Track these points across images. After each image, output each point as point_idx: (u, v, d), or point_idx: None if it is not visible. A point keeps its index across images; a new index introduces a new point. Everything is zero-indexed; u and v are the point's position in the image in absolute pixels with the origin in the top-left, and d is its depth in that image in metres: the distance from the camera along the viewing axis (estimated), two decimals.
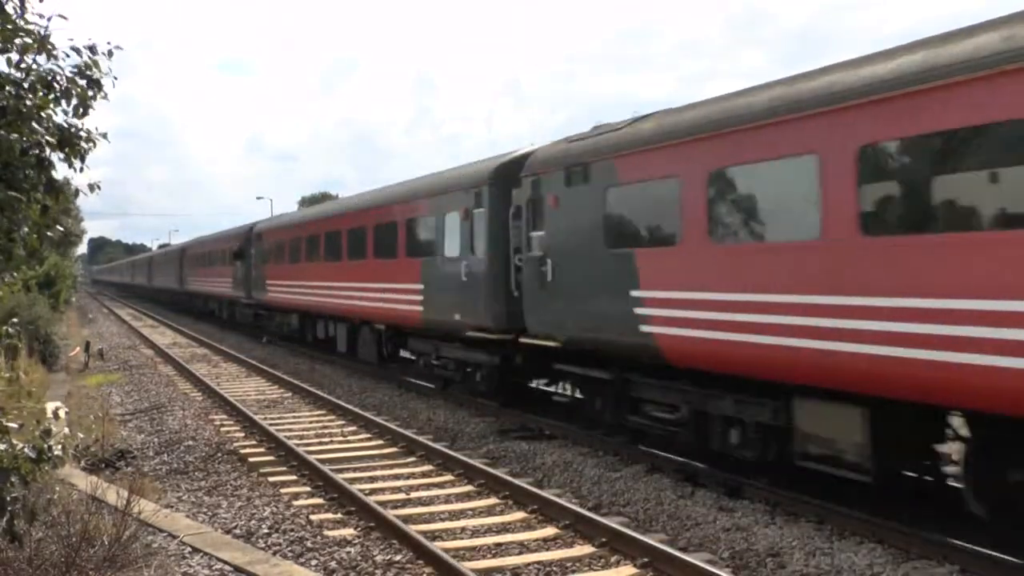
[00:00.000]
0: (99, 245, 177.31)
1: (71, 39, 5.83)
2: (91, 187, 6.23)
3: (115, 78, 5.90)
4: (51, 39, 5.72)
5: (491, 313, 14.22)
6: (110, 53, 5.88)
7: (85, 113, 5.83)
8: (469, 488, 10.08)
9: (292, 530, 8.49)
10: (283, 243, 27.69)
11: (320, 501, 9.64)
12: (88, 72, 5.78)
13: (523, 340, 13.33)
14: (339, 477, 10.13)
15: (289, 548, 7.95)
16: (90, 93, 5.81)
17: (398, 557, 7.64)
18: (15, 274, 6.80)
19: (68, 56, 5.79)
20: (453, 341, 15.94)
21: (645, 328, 10.38)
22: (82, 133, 5.89)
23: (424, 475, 10.82)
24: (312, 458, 11.09)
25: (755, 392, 9.17)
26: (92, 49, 5.83)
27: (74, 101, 5.78)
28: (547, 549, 7.92)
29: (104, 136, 6.02)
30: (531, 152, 13.93)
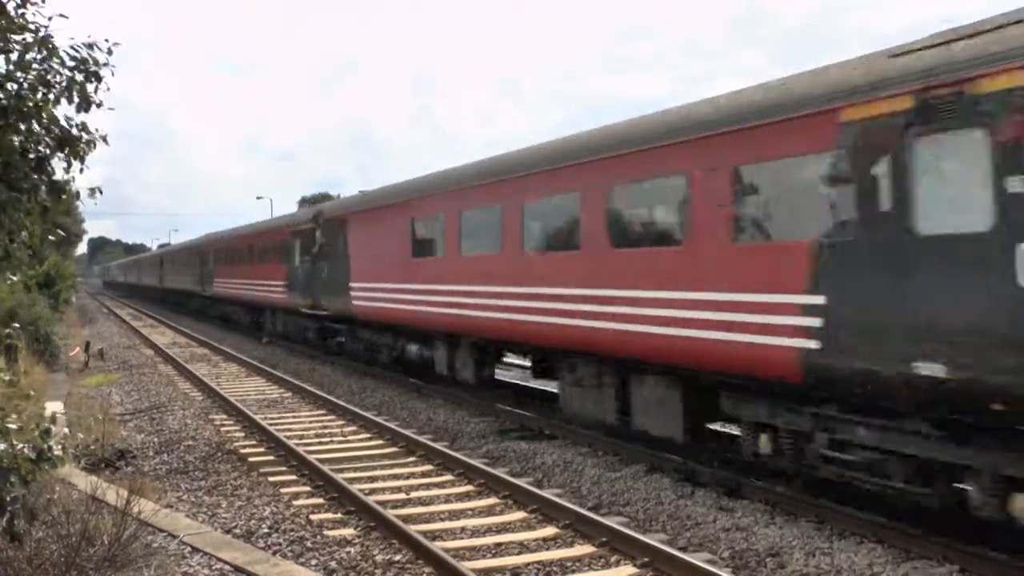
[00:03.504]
0: (99, 245, 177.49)
1: (72, 38, 5.84)
2: (92, 191, 6.24)
3: (113, 67, 5.90)
4: (52, 38, 5.72)
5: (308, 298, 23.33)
6: (109, 51, 5.88)
7: (87, 109, 5.83)
8: (469, 488, 10.08)
9: (292, 530, 8.49)
10: None
11: (320, 501, 9.64)
12: (85, 66, 5.78)
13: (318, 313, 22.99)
14: (339, 477, 10.13)
15: (289, 548, 7.95)
16: (90, 88, 5.80)
17: (398, 557, 7.65)
18: (16, 274, 6.80)
19: (68, 54, 5.79)
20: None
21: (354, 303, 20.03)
22: (83, 134, 5.89)
23: (424, 475, 10.83)
24: (312, 458, 11.09)
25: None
26: (91, 46, 5.84)
27: (75, 99, 5.78)
28: (547, 549, 7.93)
29: (104, 139, 6.02)
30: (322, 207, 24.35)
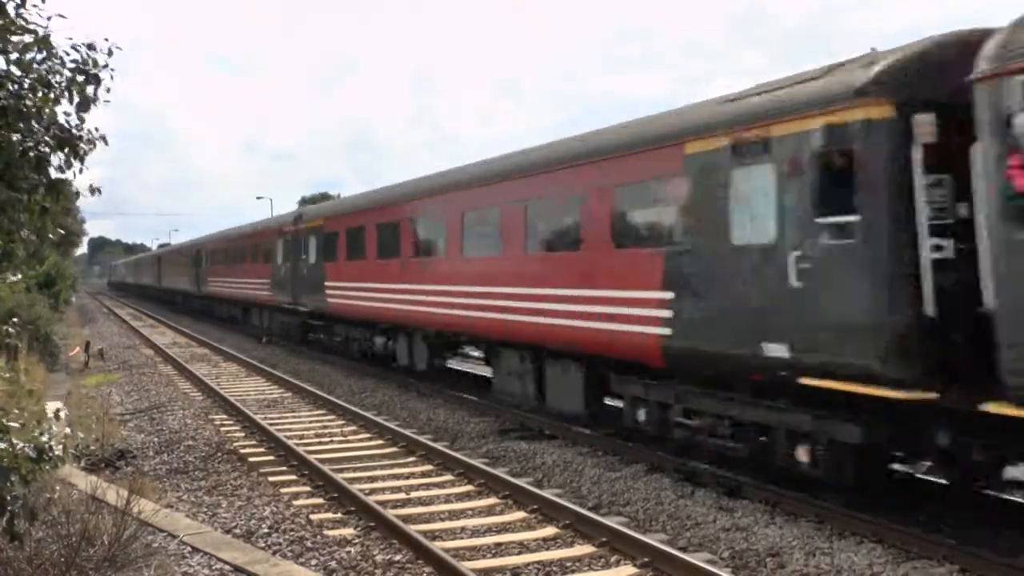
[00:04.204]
0: (99, 245, 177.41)
1: (70, 38, 5.82)
2: (92, 190, 6.23)
3: (113, 70, 5.88)
4: (51, 38, 5.71)
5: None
6: (109, 52, 5.87)
7: (86, 109, 5.82)
8: (469, 488, 10.08)
9: (292, 530, 8.49)
10: None
11: (320, 501, 9.64)
12: (85, 67, 5.77)
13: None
14: (339, 477, 10.13)
15: (289, 548, 7.95)
16: (89, 89, 5.79)
17: (398, 557, 7.65)
18: (19, 275, 6.79)
19: (68, 54, 5.78)
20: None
21: None
22: (82, 134, 5.87)
23: (424, 475, 10.83)
24: (312, 458, 11.10)
25: None
26: (90, 47, 5.83)
27: (76, 100, 5.77)
28: (547, 549, 7.93)
29: (103, 139, 6.01)
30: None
